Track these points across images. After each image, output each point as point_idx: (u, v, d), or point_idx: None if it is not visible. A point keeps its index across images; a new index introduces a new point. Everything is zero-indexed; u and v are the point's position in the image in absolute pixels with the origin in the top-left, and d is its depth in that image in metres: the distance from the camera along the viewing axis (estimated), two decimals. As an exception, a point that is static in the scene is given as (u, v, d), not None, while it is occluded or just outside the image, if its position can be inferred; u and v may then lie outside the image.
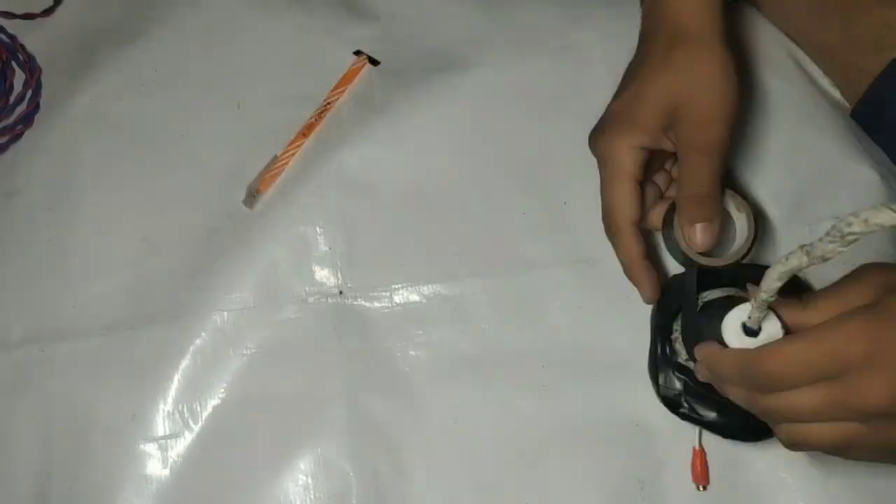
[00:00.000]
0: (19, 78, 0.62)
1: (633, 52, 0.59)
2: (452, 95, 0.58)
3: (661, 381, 0.50)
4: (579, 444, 0.51)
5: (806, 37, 0.60)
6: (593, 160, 0.56)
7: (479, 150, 0.57)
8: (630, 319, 0.53)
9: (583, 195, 0.56)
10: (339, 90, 0.59)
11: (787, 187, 0.56)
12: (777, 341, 0.39)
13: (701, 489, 0.50)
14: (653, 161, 0.48)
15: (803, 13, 0.59)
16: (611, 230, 0.48)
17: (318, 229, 0.56)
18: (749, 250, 0.48)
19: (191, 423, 0.52)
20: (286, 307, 0.54)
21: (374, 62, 0.60)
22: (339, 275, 0.55)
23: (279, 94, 0.60)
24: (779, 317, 0.40)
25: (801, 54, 0.60)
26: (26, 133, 0.60)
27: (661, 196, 0.51)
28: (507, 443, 0.52)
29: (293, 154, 0.57)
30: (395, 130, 0.58)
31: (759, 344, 0.40)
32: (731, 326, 0.42)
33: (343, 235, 0.56)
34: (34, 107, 0.61)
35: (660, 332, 0.51)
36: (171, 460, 0.52)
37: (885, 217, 0.29)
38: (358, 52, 0.61)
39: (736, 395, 0.41)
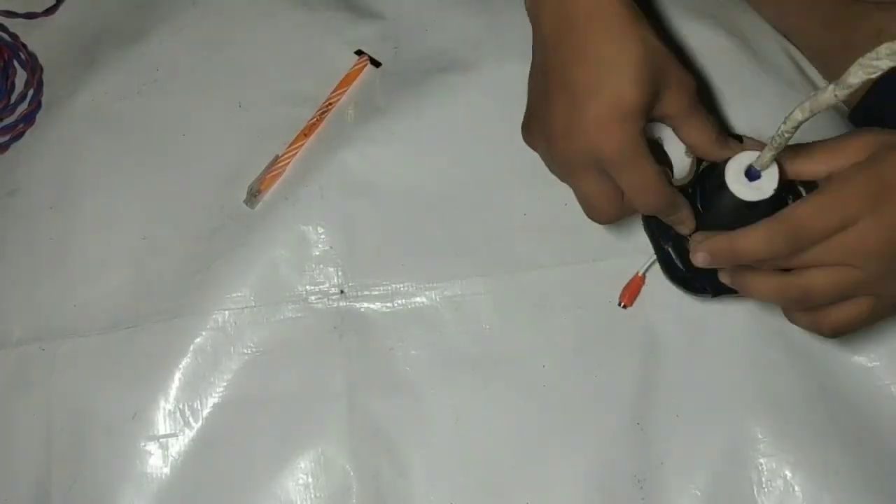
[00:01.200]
0: (21, 77, 0.62)
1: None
2: (454, 96, 0.58)
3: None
4: (579, 444, 0.52)
5: (804, 41, 0.60)
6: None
7: (479, 150, 0.57)
8: (631, 319, 0.53)
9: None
10: (340, 90, 0.59)
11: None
12: (797, 203, 0.40)
13: (622, 306, 0.53)
14: None
15: (801, 18, 0.60)
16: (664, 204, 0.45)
17: (319, 229, 0.56)
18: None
19: (191, 421, 0.52)
20: (287, 306, 0.54)
21: (375, 63, 0.60)
22: (340, 274, 0.55)
23: (280, 94, 0.60)
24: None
25: (799, 57, 0.61)
26: (28, 132, 0.60)
27: None
28: (507, 442, 0.52)
29: (294, 154, 0.57)
30: (396, 131, 0.58)
31: (762, 187, 0.41)
32: (734, 171, 0.42)
33: (344, 235, 0.56)
34: (35, 106, 0.61)
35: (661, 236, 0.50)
36: (171, 459, 0.52)
37: None
38: (359, 53, 0.61)
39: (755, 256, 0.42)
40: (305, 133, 0.58)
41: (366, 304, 0.55)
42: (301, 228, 0.56)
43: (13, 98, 0.61)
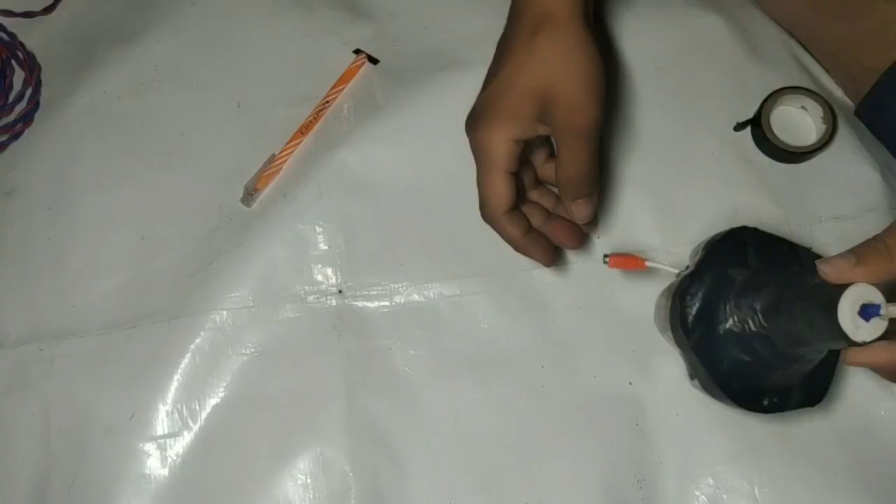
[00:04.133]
0: (19, 76, 0.62)
1: (632, 50, 0.58)
2: (452, 94, 0.57)
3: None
4: (578, 444, 0.51)
5: (809, 35, 0.60)
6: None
7: (478, 148, 0.57)
8: (630, 319, 0.53)
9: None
10: (338, 89, 0.59)
11: (788, 186, 0.56)
12: None
13: (605, 260, 0.49)
14: (528, 146, 0.49)
15: (806, 11, 0.59)
16: (488, 219, 0.49)
17: (317, 228, 0.56)
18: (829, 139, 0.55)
19: (190, 422, 0.52)
20: (285, 306, 0.54)
21: (373, 61, 0.60)
22: (339, 274, 0.55)
23: (279, 92, 0.60)
24: None
25: (802, 53, 0.60)
26: (26, 131, 0.60)
27: (536, 178, 0.52)
28: (506, 442, 0.52)
29: (291, 153, 0.57)
30: (394, 129, 0.57)
31: (872, 326, 0.38)
32: (848, 310, 0.38)
33: (342, 234, 0.55)
34: (34, 105, 0.61)
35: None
36: (170, 460, 0.52)
37: None
38: (357, 51, 0.60)
39: None
40: (302, 131, 0.58)
41: (364, 304, 0.54)
42: (299, 228, 0.56)
43: (11, 97, 0.61)
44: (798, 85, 0.57)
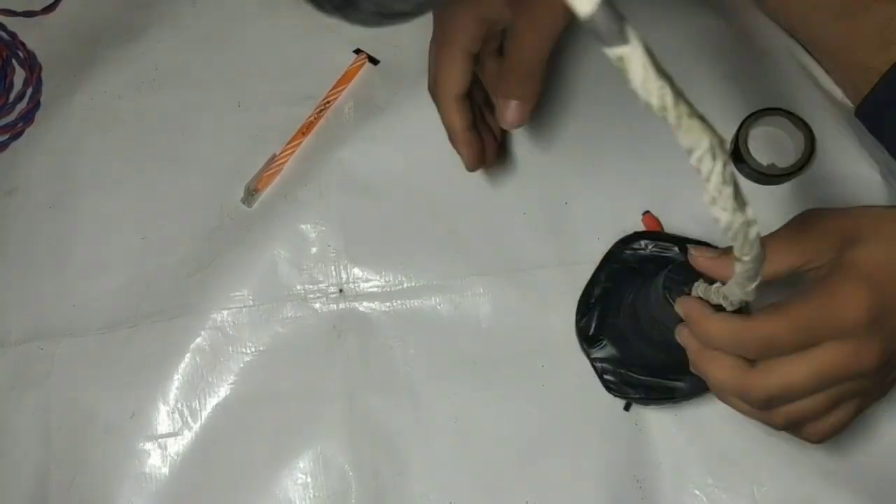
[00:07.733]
0: (19, 75, 0.62)
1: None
2: (452, 94, 0.58)
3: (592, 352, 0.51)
4: (578, 444, 0.51)
5: (809, 35, 0.60)
6: (595, 159, 0.56)
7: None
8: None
9: (583, 195, 0.56)
10: (338, 89, 0.59)
11: (787, 186, 0.56)
12: (767, 312, 0.37)
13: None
14: (489, 39, 0.46)
15: (806, 11, 0.59)
16: (436, 99, 0.47)
17: (318, 228, 0.56)
18: (806, 162, 0.54)
19: (190, 421, 0.52)
20: (286, 306, 0.54)
21: (373, 61, 0.60)
22: (339, 273, 0.55)
23: (279, 92, 0.60)
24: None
25: (803, 53, 0.60)
26: (27, 131, 0.60)
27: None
28: (506, 442, 0.52)
29: (291, 153, 0.57)
30: (394, 129, 0.57)
31: None
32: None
33: (343, 234, 0.56)
34: (34, 104, 0.61)
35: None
36: (170, 459, 0.52)
37: None
38: (358, 51, 0.60)
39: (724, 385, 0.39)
40: (303, 131, 0.58)
41: (365, 304, 0.54)
42: (300, 227, 0.56)
43: (12, 97, 0.61)
44: (776, 106, 0.55)
